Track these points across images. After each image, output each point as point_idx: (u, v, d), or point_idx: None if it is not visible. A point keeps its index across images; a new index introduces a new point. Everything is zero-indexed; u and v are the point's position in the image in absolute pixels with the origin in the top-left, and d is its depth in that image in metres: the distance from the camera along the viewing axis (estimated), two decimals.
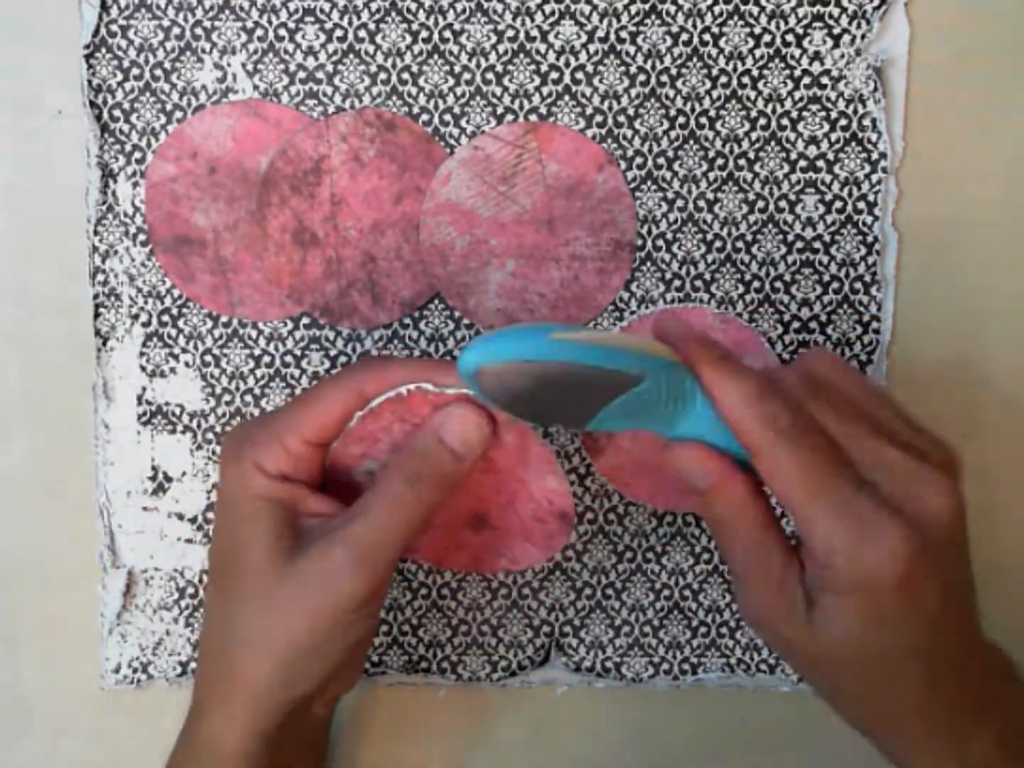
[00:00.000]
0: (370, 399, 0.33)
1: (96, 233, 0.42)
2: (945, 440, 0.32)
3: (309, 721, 0.37)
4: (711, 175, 0.42)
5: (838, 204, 0.42)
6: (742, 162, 0.42)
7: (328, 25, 0.41)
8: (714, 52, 0.42)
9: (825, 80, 0.42)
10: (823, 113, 0.42)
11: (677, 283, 0.43)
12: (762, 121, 0.42)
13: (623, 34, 0.42)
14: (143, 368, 0.43)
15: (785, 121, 0.42)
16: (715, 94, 0.42)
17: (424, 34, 0.42)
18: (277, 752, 0.34)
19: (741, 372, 0.31)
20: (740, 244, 0.43)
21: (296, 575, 0.32)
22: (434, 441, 0.33)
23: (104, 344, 0.42)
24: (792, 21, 0.42)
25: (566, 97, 0.42)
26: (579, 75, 0.42)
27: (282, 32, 0.42)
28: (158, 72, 0.42)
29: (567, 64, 0.42)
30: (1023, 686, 0.34)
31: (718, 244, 0.43)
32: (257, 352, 0.43)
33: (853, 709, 0.33)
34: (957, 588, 0.31)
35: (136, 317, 0.42)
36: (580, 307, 0.42)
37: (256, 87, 0.42)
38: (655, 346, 0.32)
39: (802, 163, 0.42)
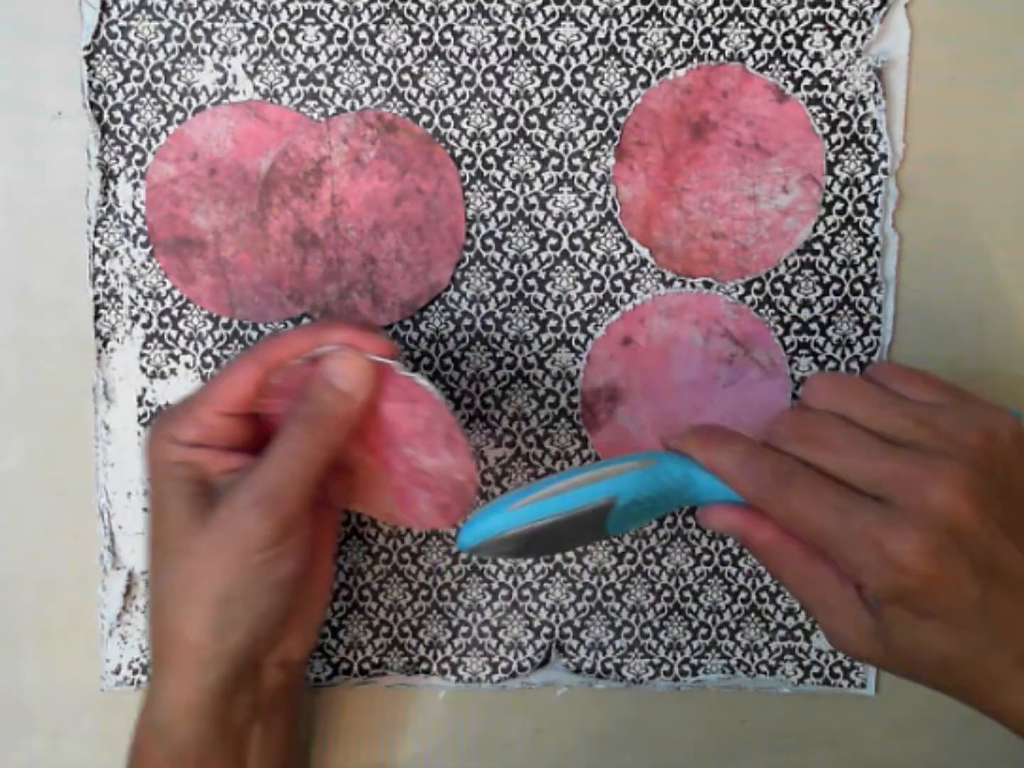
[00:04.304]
0: (276, 368, 0.36)
1: (96, 234, 0.42)
2: (973, 411, 0.32)
3: (263, 682, 0.38)
4: None
5: (839, 205, 0.42)
6: None
7: (328, 26, 0.41)
8: (715, 53, 0.42)
9: (826, 81, 0.42)
10: (824, 114, 0.42)
11: (678, 284, 0.43)
12: None
13: (623, 35, 0.42)
14: (143, 369, 0.43)
15: None
16: None
17: (424, 35, 0.42)
18: (228, 712, 0.36)
19: (727, 442, 0.34)
20: None
21: (209, 525, 0.35)
22: (325, 385, 0.36)
23: (104, 345, 0.42)
24: (792, 22, 0.42)
25: (566, 98, 0.42)
26: (579, 76, 0.42)
27: (282, 33, 0.42)
28: (158, 73, 0.42)
29: (567, 65, 0.42)
30: None
31: None
32: None
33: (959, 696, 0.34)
34: (998, 564, 0.31)
35: (136, 318, 0.42)
36: None
37: (256, 88, 0.42)
38: (613, 468, 0.34)
39: None
